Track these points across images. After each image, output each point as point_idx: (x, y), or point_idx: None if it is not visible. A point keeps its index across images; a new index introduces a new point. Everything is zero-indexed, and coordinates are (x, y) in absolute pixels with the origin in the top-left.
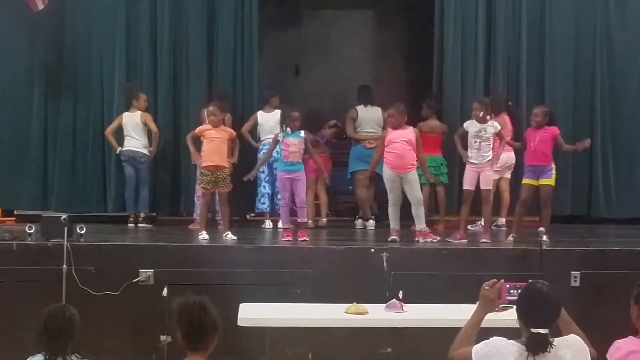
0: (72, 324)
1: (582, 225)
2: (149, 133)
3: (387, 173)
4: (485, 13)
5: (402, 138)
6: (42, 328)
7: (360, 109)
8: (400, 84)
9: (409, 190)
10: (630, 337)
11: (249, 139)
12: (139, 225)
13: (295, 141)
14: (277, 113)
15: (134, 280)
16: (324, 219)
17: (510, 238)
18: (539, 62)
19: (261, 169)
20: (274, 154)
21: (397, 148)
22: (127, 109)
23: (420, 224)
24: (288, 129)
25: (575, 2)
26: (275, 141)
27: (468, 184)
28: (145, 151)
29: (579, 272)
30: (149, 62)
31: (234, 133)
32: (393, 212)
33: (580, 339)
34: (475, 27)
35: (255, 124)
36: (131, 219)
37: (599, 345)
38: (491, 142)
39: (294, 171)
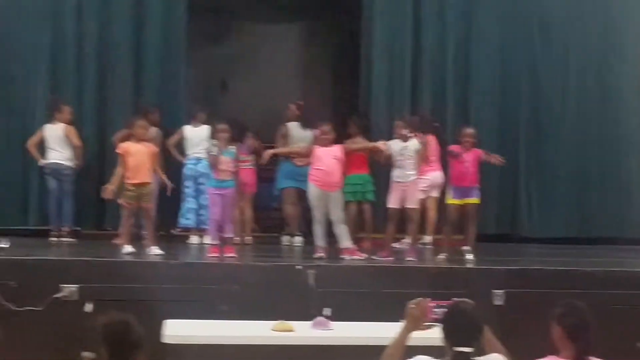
0: None
1: (505, 243)
2: (73, 146)
3: (312, 190)
4: (412, 32)
5: (331, 155)
6: None
7: (292, 126)
8: (327, 100)
9: (332, 208)
10: (550, 356)
11: (175, 153)
12: (63, 239)
13: (226, 159)
14: (204, 128)
15: (57, 296)
16: (248, 237)
17: (442, 257)
18: (465, 82)
19: (186, 184)
20: (200, 169)
21: (326, 164)
22: (50, 121)
23: (345, 242)
24: (217, 143)
25: (501, 24)
26: (209, 155)
27: (393, 202)
28: (68, 164)
29: (502, 291)
30: (73, 73)
31: (156, 148)
32: (319, 230)
33: (503, 358)
34: (402, 45)
35: (182, 139)
36: (54, 232)
37: None
38: (414, 160)
39: (224, 187)
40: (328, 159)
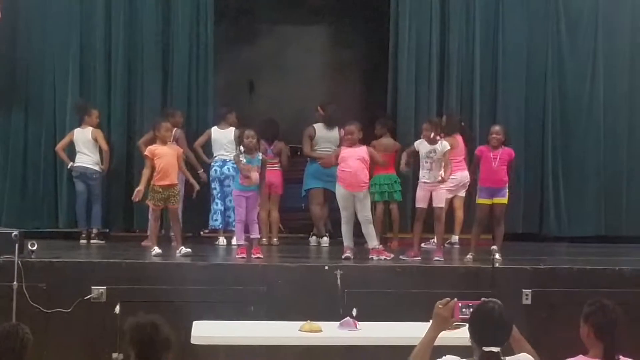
0: (24, 344)
1: (533, 243)
2: (101, 149)
3: (339, 191)
4: (439, 33)
5: (356, 156)
6: None
7: (318, 127)
8: (355, 101)
9: (359, 209)
10: (581, 355)
11: (201, 153)
12: (92, 241)
13: (253, 168)
14: (232, 130)
15: (86, 298)
16: (275, 238)
17: (469, 257)
18: (492, 81)
19: (212, 186)
20: (225, 171)
21: (351, 166)
22: (80, 124)
23: (372, 242)
24: (242, 149)
25: (528, 24)
26: (238, 161)
27: (421, 202)
28: (96, 167)
29: (530, 290)
30: (102, 77)
31: (181, 150)
32: (346, 230)
33: (532, 358)
34: (429, 46)
35: (209, 140)
36: (83, 235)
37: None
38: (442, 162)
39: (249, 190)
40: (353, 160)
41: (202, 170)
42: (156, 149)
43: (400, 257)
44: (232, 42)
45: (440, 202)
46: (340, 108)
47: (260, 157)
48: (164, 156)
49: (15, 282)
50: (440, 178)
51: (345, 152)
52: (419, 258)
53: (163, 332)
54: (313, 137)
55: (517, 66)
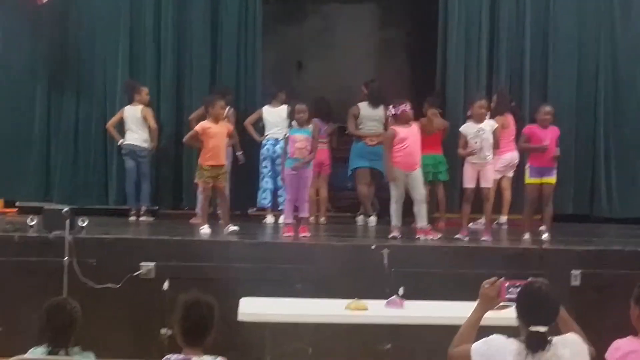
0: (73, 318)
1: (583, 224)
2: (150, 127)
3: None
4: (489, 11)
5: (413, 136)
6: (45, 321)
7: (363, 106)
8: (403, 80)
9: (414, 187)
10: (630, 337)
11: (252, 131)
12: (141, 218)
13: (302, 137)
14: (283, 109)
15: (135, 274)
16: (323, 217)
17: (527, 236)
18: (542, 60)
19: (263, 164)
20: (278, 149)
21: (409, 146)
22: (130, 103)
23: (422, 221)
24: (295, 124)
25: (579, 1)
26: (287, 140)
27: (469, 182)
28: (145, 145)
29: (579, 271)
30: (152, 56)
31: (231, 128)
32: (395, 209)
33: (579, 338)
34: (479, 24)
35: (260, 118)
36: (132, 212)
37: (598, 344)
38: (491, 141)
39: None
40: (411, 139)
41: (242, 152)
42: (209, 127)
43: (456, 236)
44: (280, 21)
45: (488, 182)
46: (384, 86)
47: (310, 129)
48: (216, 136)
49: (66, 258)
50: (488, 158)
51: (403, 132)
52: (468, 238)
53: (215, 312)
54: (357, 116)
55: (569, 45)
